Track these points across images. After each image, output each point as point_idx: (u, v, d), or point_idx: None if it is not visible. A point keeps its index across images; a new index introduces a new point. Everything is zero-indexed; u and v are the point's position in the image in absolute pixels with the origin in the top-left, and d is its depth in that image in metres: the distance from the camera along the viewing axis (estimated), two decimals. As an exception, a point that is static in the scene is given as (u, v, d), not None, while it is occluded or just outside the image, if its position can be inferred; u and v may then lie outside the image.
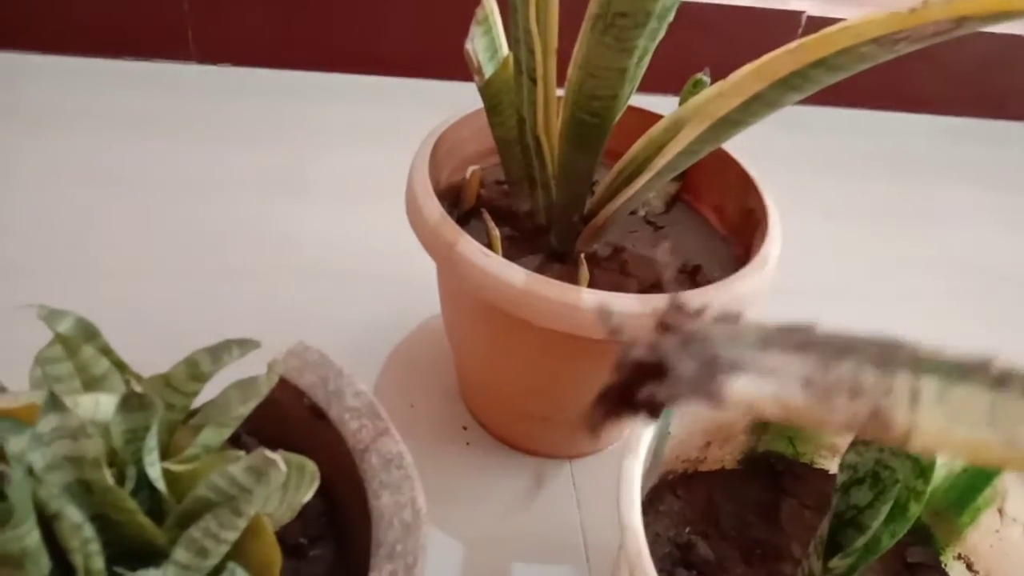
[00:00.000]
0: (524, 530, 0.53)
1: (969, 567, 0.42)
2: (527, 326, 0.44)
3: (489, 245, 0.47)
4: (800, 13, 0.94)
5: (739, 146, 0.54)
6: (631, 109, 0.53)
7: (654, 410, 0.16)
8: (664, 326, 0.16)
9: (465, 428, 0.58)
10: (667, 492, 0.44)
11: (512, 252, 0.50)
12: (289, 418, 0.37)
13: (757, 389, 0.15)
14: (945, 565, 0.43)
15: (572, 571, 0.52)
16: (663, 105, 0.56)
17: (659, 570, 0.34)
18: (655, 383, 0.15)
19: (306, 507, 0.36)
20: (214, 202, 0.74)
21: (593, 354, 0.47)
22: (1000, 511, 0.40)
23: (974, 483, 0.41)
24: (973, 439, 0.15)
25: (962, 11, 0.33)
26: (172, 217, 0.72)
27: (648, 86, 0.56)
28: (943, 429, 0.15)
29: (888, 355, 0.16)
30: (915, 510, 0.35)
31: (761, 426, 0.45)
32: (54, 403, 0.25)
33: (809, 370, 0.15)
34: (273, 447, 0.37)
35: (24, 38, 0.88)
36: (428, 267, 0.50)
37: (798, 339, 0.16)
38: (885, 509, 0.35)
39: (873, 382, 0.16)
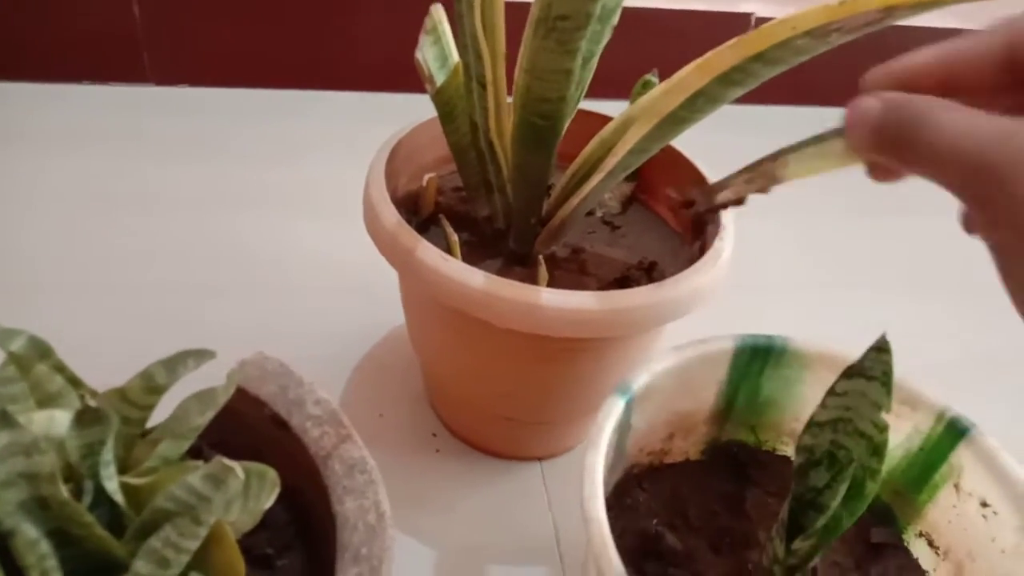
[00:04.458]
0: (497, 533, 0.54)
1: (931, 543, 0.43)
2: (489, 328, 0.44)
3: (448, 250, 0.47)
4: (749, 15, 0.96)
5: (695, 145, 0.55)
6: (583, 113, 0.54)
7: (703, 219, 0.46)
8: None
9: (434, 435, 0.59)
10: (633, 486, 0.45)
11: (472, 257, 0.51)
12: (251, 429, 0.37)
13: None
14: (907, 543, 0.44)
15: (546, 572, 0.52)
16: (617, 110, 0.57)
17: (628, 563, 0.34)
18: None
19: (272, 517, 0.36)
20: (174, 219, 0.74)
21: (556, 354, 0.47)
22: (956, 486, 0.41)
23: (930, 461, 0.42)
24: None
25: (890, 0, 0.34)
26: (130, 234, 0.71)
27: (601, 91, 0.57)
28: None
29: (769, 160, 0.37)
30: (872, 488, 0.36)
31: (723, 415, 0.46)
32: (6, 419, 0.25)
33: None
34: (237, 459, 0.37)
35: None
36: (391, 276, 0.50)
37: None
38: (842, 489, 0.36)
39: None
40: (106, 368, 0.35)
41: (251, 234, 0.74)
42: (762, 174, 0.38)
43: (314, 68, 0.94)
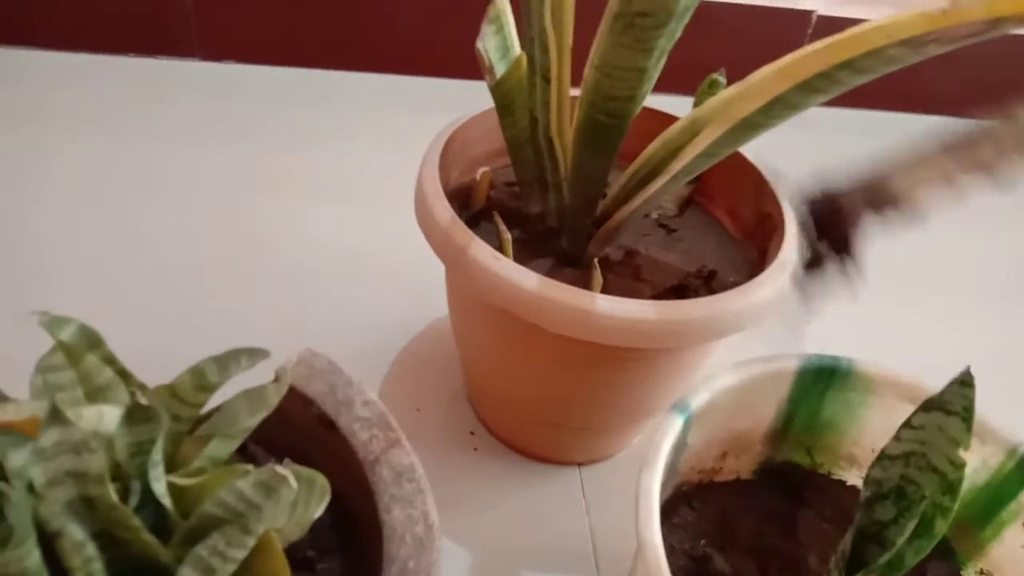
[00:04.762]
0: (533, 538, 0.52)
1: (991, 582, 0.41)
2: (539, 332, 0.43)
3: (500, 248, 0.46)
4: (810, 12, 0.93)
5: (754, 148, 0.53)
6: (644, 110, 0.52)
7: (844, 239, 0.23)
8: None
9: (472, 433, 0.57)
10: (682, 504, 0.43)
11: (522, 255, 0.49)
12: (297, 427, 0.36)
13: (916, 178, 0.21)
14: (967, 580, 0.42)
15: (581, 581, 0.51)
16: (673, 105, 0.55)
17: (676, 585, 0.33)
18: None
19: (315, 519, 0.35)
20: (215, 204, 0.73)
21: (607, 361, 0.46)
22: (1025, 526, 0.39)
23: (998, 497, 0.40)
24: None
25: (997, 12, 0.32)
26: (170, 219, 0.71)
27: (656, 85, 0.55)
28: None
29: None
30: (941, 527, 0.34)
31: (780, 435, 0.44)
32: (56, 416, 0.24)
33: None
34: (280, 457, 0.36)
35: (23, 33, 0.87)
36: (434, 268, 0.48)
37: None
38: (910, 525, 0.34)
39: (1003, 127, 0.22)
40: (136, 355, 0.34)
41: (289, 220, 0.73)
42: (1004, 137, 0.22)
43: (361, 49, 0.92)
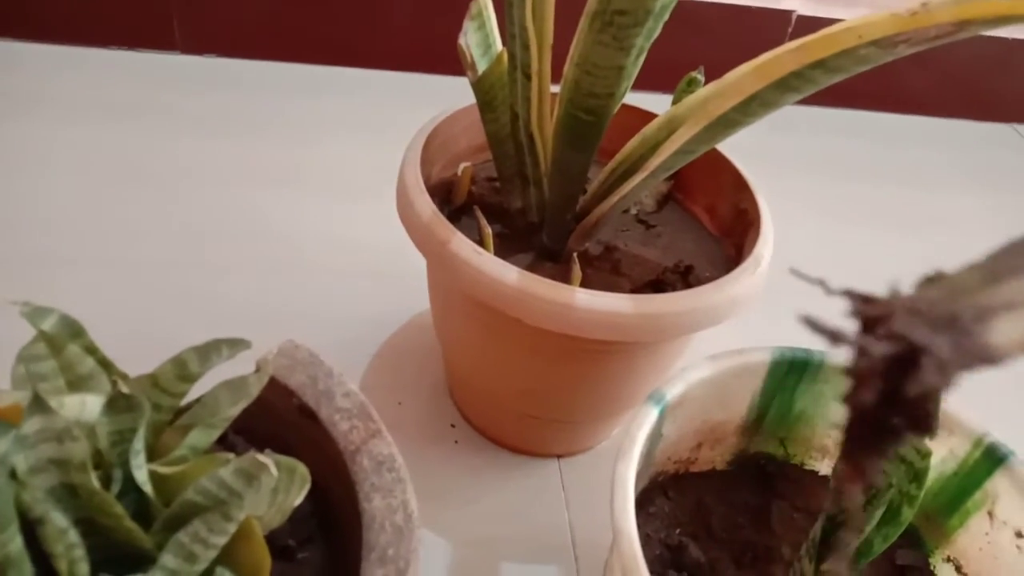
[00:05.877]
0: (512, 529, 0.53)
1: (958, 570, 0.42)
2: (519, 325, 0.43)
3: (481, 243, 0.47)
4: (790, 12, 0.94)
5: (732, 146, 0.54)
6: (624, 107, 0.52)
7: (921, 416, 0.13)
8: (871, 321, 0.14)
9: (453, 426, 0.58)
10: (658, 493, 0.44)
11: (503, 250, 0.50)
12: (278, 417, 0.37)
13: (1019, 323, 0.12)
14: (934, 568, 0.43)
15: (560, 571, 0.51)
16: (653, 102, 0.56)
17: (650, 572, 0.34)
18: (914, 374, 0.13)
19: (295, 508, 0.36)
20: (197, 195, 0.73)
21: (585, 355, 0.46)
22: (990, 514, 0.40)
23: (964, 486, 0.41)
24: None
25: (964, 14, 0.33)
26: (153, 210, 0.71)
27: (636, 83, 0.56)
28: None
29: None
30: (908, 514, 0.35)
31: (753, 427, 0.45)
32: (39, 404, 0.25)
33: None
34: (261, 446, 0.37)
35: (7, 25, 0.86)
36: (416, 262, 0.49)
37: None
38: (878, 513, 0.35)
39: None
40: (120, 344, 0.34)
41: (272, 212, 0.73)
42: None
43: (343, 45, 0.92)
